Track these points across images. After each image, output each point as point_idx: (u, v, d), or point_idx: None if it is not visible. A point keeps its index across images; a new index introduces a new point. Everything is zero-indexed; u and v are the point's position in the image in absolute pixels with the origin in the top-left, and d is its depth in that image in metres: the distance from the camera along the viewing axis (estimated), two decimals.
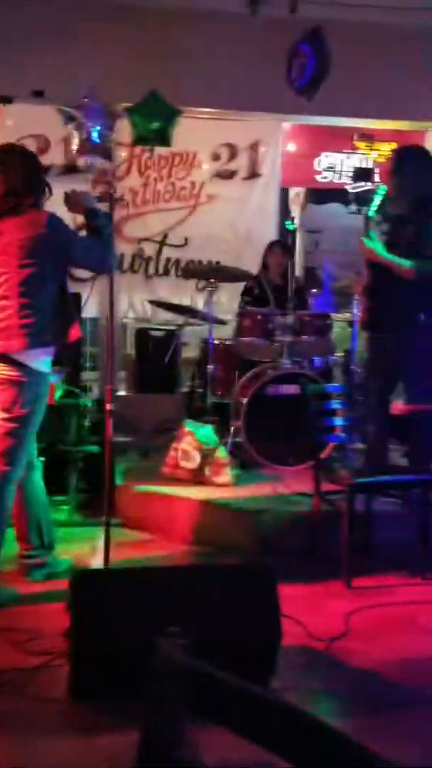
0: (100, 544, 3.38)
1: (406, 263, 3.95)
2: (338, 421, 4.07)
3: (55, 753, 2.23)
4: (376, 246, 4.00)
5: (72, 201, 3.51)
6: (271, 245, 5.78)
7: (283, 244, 5.76)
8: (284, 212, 7.10)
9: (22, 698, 2.47)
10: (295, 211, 7.50)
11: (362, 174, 6.72)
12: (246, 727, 1.28)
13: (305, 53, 5.29)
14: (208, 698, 1.21)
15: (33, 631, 2.90)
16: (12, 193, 3.28)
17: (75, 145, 5.39)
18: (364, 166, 6.88)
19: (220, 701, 1.21)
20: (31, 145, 6.05)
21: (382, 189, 3.95)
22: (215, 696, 1.21)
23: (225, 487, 4.40)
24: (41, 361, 3.30)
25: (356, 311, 5.14)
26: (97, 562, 3.43)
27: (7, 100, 5.81)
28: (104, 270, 3.54)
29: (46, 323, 3.27)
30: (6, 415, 3.26)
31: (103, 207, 3.54)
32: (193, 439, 4.51)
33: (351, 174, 6.83)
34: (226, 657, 1.89)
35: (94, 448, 4.65)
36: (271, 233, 6.28)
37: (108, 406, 3.42)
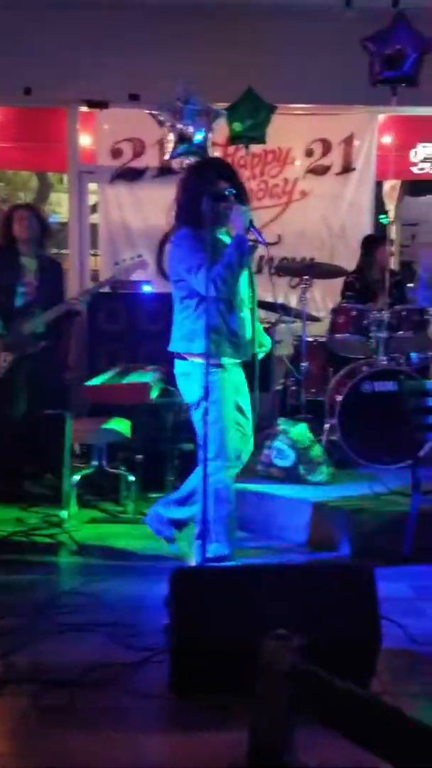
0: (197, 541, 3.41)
1: None
2: None
3: (157, 750, 2.26)
4: None
5: (236, 214, 3.30)
6: (379, 240, 5.66)
7: (385, 238, 5.65)
8: (379, 206, 6.97)
9: (125, 693, 2.51)
10: (389, 204, 7.34)
11: None
12: (352, 729, 1.28)
13: (399, 41, 5.17)
14: (314, 700, 1.21)
15: (134, 627, 2.96)
16: None
17: (168, 148, 5.48)
18: None
19: (327, 703, 1.21)
20: (127, 149, 6.18)
21: None
22: (322, 698, 1.22)
23: (320, 485, 4.37)
24: None
25: None
26: (194, 558, 3.46)
27: (103, 104, 5.92)
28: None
29: None
30: None
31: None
32: (287, 437, 4.49)
33: None
34: (324, 658, 1.88)
35: (190, 446, 4.69)
36: (365, 228, 6.17)
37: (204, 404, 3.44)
